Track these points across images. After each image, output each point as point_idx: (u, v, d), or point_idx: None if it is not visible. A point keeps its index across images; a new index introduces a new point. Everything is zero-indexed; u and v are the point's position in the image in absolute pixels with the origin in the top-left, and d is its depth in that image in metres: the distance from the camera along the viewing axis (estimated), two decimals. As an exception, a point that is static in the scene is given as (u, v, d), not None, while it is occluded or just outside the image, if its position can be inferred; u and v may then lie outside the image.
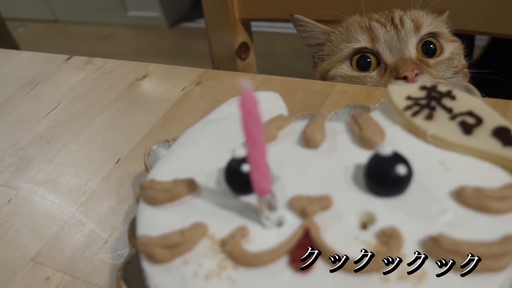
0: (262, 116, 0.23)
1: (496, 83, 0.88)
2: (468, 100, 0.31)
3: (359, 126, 0.30)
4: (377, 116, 0.32)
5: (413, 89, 0.32)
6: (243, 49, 0.86)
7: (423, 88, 0.32)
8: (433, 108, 0.30)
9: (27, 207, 0.44)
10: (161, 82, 0.58)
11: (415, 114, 0.30)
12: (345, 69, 0.57)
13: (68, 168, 0.47)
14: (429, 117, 0.30)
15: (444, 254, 0.23)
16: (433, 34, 0.58)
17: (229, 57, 0.86)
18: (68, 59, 0.67)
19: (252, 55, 0.87)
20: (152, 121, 0.51)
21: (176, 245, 0.26)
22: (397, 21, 0.56)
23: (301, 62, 1.80)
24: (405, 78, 0.53)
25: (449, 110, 0.30)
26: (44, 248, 0.39)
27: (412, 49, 0.56)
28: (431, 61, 0.56)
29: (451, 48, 0.59)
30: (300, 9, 0.75)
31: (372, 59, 0.56)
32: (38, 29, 2.92)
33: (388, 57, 0.55)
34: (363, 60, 0.56)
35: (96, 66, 0.64)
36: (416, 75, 0.52)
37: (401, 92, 0.32)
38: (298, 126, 0.33)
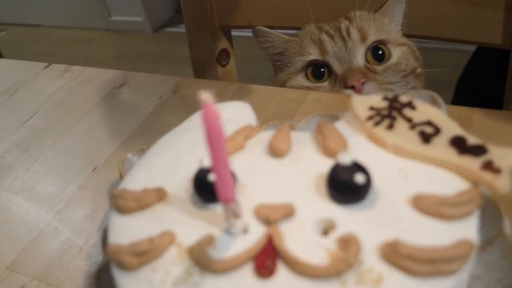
0: (225, 129, 0.24)
1: (480, 93, 0.90)
2: (428, 110, 0.32)
3: (323, 136, 0.32)
4: (341, 125, 0.33)
5: (376, 100, 0.33)
6: (224, 55, 0.87)
7: (385, 99, 0.33)
8: (394, 118, 0.32)
9: (3, 215, 0.44)
10: (139, 90, 0.59)
11: (376, 124, 0.31)
12: (300, 80, 0.60)
13: (45, 177, 0.48)
14: (390, 127, 0.31)
15: (400, 259, 0.25)
16: (380, 42, 0.61)
17: (209, 64, 0.87)
18: (47, 66, 0.67)
19: (232, 61, 0.88)
20: (129, 129, 0.52)
21: (144, 253, 0.27)
22: (344, 32, 0.59)
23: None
24: (352, 88, 0.56)
25: (409, 120, 0.31)
26: (20, 256, 0.40)
27: (360, 58, 0.59)
28: (379, 67, 0.60)
29: (399, 52, 0.62)
30: (278, 16, 0.76)
31: (325, 69, 0.60)
32: (21, 33, 2.90)
33: (338, 68, 0.58)
34: (317, 70, 0.60)
35: (75, 74, 0.64)
36: (363, 83, 0.56)
37: (364, 103, 0.33)
38: (266, 135, 0.34)
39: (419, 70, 0.64)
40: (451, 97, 0.97)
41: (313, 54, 0.59)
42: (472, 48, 0.93)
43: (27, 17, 2.90)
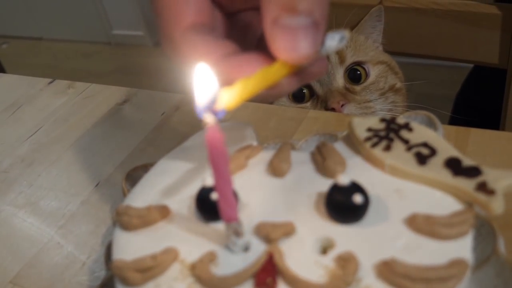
0: (227, 149, 0.25)
1: (478, 108, 0.91)
2: (424, 132, 0.33)
3: (322, 156, 0.33)
4: (340, 146, 0.34)
5: (374, 121, 0.34)
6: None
7: (383, 120, 0.34)
8: (391, 140, 0.33)
9: (6, 229, 0.45)
10: (141, 107, 0.60)
11: (374, 145, 0.32)
12: (284, 101, 0.63)
13: (48, 192, 0.49)
14: (387, 148, 0.32)
15: (396, 278, 0.25)
16: (357, 63, 0.63)
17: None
18: (50, 82, 0.68)
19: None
20: (132, 145, 0.53)
21: (148, 269, 0.28)
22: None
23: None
24: (333, 109, 0.59)
25: (406, 141, 0.32)
26: (23, 270, 0.41)
27: (339, 80, 0.61)
28: (357, 87, 0.62)
29: (377, 71, 0.64)
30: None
31: (306, 91, 0.63)
32: (22, 46, 2.92)
33: (319, 89, 0.61)
34: (299, 91, 0.62)
35: (78, 90, 0.65)
36: (342, 105, 0.58)
37: (362, 124, 0.34)
38: (267, 155, 0.35)
39: (398, 85, 0.67)
40: (449, 112, 0.98)
41: None
42: (470, 64, 0.95)
43: (28, 30, 2.92)
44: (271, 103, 0.62)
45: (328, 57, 0.61)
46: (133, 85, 0.65)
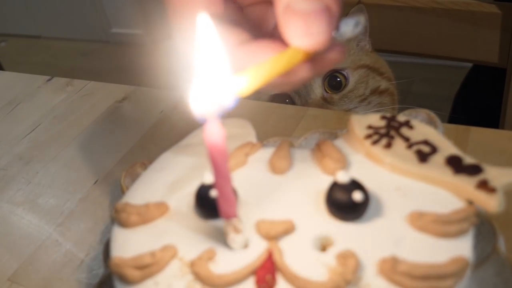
0: (227, 146, 0.25)
1: (478, 108, 0.91)
2: (425, 129, 0.33)
3: (322, 154, 0.32)
4: (340, 143, 0.34)
5: (374, 119, 0.34)
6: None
7: (383, 118, 0.34)
8: (391, 137, 0.32)
9: (5, 227, 0.45)
10: (140, 105, 0.60)
11: (374, 142, 0.32)
12: None
13: (47, 189, 0.49)
14: (388, 145, 0.32)
15: (396, 275, 0.25)
16: (335, 70, 0.62)
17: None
18: (49, 80, 0.68)
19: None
20: (131, 143, 0.53)
21: (147, 266, 0.28)
22: None
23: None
24: None
25: (406, 139, 0.32)
26: (21, 268, 0.40)
27: (317, 90, 0.60)
28: (336, 96, 0.61)
29: (356, 77, 0.63)
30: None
31: (289, 100, 0.62)
32: (20, 45, 2.91)
33: (298, 101, 0.61)
34: (283, 102, 0.62)
35: (77, 87, 0.65)
36: None
37: (362, 122, 0.34)
38: (267, 152, 0.35)
39: (383, 86, 0.65)
40: (448, 112, 0.98)
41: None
42: (469, 64, 0.95)
43: (27, 28, 2.91)
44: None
45: None
46: (132, 84, 0.64)
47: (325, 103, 0.61)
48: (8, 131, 0.59)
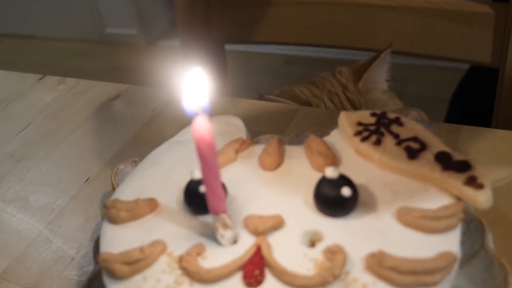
0: (216, 141, 0.25)
1: (474, 109, 0.91)
2: (415, 126, 0.33)
3: (311, 150, 0.32)
4: (330, 140, 0.34)
5: (364, 116, 0.34)
6: (218, 70, 0.88)
7: (373, 114, 0.34)
8: (381, 134, 0.33)
9: (-5, 224, 0.45)
10: (132, 103, 0.60)
11: (364, 139, 0.32)
12: None
13: (38, 187, 0.48)
14: (377, 142, 0.32)
15: (384, 270, 0.25)
16: None
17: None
18: (41, 78, 0.68)
19: (226, 75, 0.89)
20: (122, 141, 0.53)
21: (136, 262, 0.28)
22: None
23: (278, 81, 1.83)
24: None
25: (396, 135, 0.32)
26: (11, 265, 0.40)
27: None
28: None
29: None
30: (274, 32, 0.77)
31: None
32: (14, 44, 2.90)
33: None
34: None
35: (69, 86, 0.65)
36: None
37: (352, 118, 0.34)
38: (257, 149, 0.35)
39: None
40: (443, 114, 0.98)
41: None
42: (464, 66, 0.95)
43: (20, 28, 2.90)
44: None
45: None
46: (125, 84, 0.64)
47: None
48: (0, 130, 0.58)
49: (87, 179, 0.48)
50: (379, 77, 0.67)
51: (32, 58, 2.68)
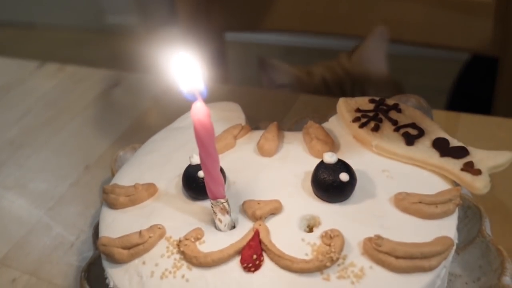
0: (215, 127, 0.25)
1: (475, 99, 0.91)
2: (413, 112, 0.33)
3: (310, 136, 0.32)
4: (329, 126, 0.34)
5: (363, 102, 0.34)
6: (218, 58, 0.87)
7: (372, 101, 0.34)
8: (380, 120, 0.33)
9: (-5, 211, 0.45)
10: (131, 90, 0.60)
11: (362, 125, 0.32)
12: None
13: (38, 174, 0.49)
14: (376, 128, 0.32)
15: (381, 255, 0.25)
16: None
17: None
18: (40, 66, 0.68)
19: (226, 64, 0.89)
20: (122, 128, 0.53)
21: (134, 246, 0.28)
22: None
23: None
24: None
25: (394, 122, 0.32)
26: (11, 251, 0.41)
27: None
28: None
29: None
30: (274, 20, 0.77)
31: None
32: (13, 33, 2.89)
33: None
34: None
35: (68, 73, 0.65)
36: None
37: (351, 104, 0.34)
38: (256, 135, 0.35)
39: None
40: (443, 104, 0.98)
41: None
42: (465, 56, 0.94)
43: (20, 16, 2.89)
44: None
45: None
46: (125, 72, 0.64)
47: None
48: (-1, 117, 0.58)
49: (87, 166, 0.48)
50: (375, 54, 0.67)
51: (32, 47, 2.67)
